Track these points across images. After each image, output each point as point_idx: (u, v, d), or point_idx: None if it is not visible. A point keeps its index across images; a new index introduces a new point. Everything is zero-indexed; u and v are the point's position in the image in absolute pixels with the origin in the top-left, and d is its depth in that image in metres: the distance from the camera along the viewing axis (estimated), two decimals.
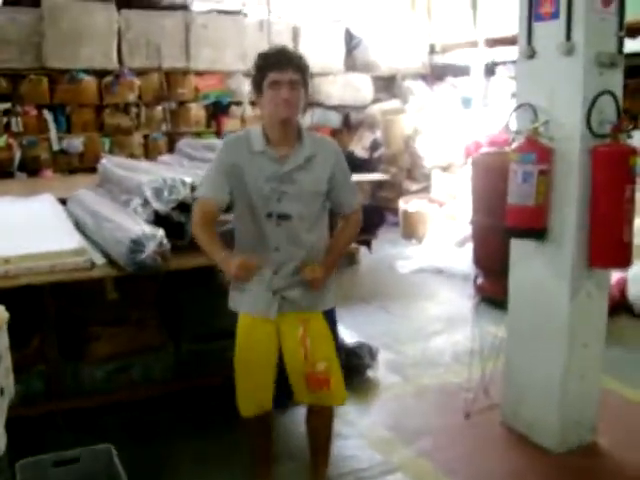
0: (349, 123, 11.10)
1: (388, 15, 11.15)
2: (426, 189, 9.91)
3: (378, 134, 10.70)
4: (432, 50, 11.38)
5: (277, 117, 2.90)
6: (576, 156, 3.46)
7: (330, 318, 3.17)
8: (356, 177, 7.67)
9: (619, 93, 3.50)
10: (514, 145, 3.64)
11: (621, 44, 3.49)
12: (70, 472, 3.04)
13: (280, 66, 2.85)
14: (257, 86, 2.94)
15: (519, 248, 3.86)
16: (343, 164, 3.10)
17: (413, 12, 11.52)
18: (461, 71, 10.79)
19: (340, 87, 10.88)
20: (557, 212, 3.58)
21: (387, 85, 11.42)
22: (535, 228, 3.60)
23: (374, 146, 10.69)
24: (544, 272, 3.71)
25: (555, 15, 3.48)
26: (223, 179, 2.99)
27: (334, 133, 10.93)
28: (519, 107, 3.70)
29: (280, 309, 3.01)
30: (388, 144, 10.44)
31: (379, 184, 10.17)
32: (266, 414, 3.21)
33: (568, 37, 3.41)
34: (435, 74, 11.38)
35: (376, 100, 11.16)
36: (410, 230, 9.16)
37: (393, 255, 8.24)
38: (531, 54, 3.63)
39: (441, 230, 8.50)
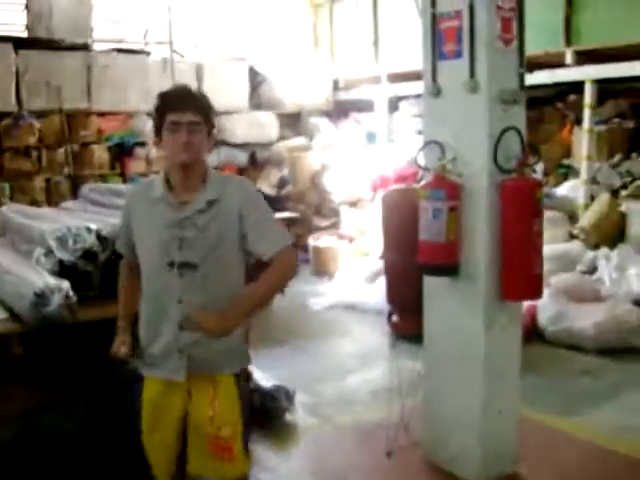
0: (255, 161, 11.07)
1: (292, 52, 11.24)
2: (335, 225, 9.96)
3: (285, 171, 10.71)
4: (336, 86, 11.50)
5: (176, 161, 2.73)
6: (484, 192, 3.52)
7: (239, 383, 2.88)
8: None
9: (523, 128, 3.58)
10: (423, 182, 3.67)
11: (522, 80, 3.58)
12: None
13: (179, 107, 2.69)
14: (157, 128, 2.77)
15: (432, 284, 3.88)
16: (255, 205, 2.79)
17: (316, 49, 11.65)
18: (365, 106, 10.93)
19: (245, 125, 10.85)
20: (468, 247, 3.62)
21: (292, 122, 11.46)
22: (447, 264, 3.63)
23: (281, 184, 10.69)
24: (458, 307, 3.73)
25: (458, 54, 3.55)
26: (127, 232, 2.88)
27: (241, 171, 10.86)
28: (426, 144, 3.74)
29: (189, 369, 2.76)
30: (295, 181, 10.46)
31: (288, 221, 10.16)
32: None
33: (472, 74, 3.47)
34: (339, 110, 11.49)
35: (282, 137, 11.17)
36: (321, 267, 9.15)
37: (305, 292, 8.18)
38: (436, 92, 3.69)
39: (352, 266, 8.53)
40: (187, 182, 2.77)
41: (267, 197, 9.94)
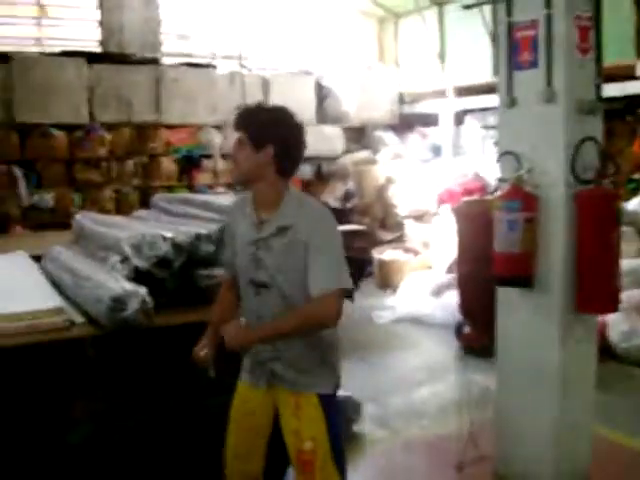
0: (321, 174, 11.14)
1: (357, 66, 11.30)
2: (400, 238, 9.94)
3: (350, 185, 10.75)
4: (401, 100, 11.51)
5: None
6: (561, 202, 3.47)
7: (328, 405, 2.82)
8: None
9: (600, 139, 3.52)
10: (498, 193, 3.64)
11: (599, 91, 3.52)
12: None
13: (234, 124, 2.77)
14: None
15: (505, 295, 3.83)
16: (319, 237, 2.65)
17: (382, 63, 11.69)
18: (430, 120, 10.91)
19: (311, 138, 10.85)
20: (543, 259, 3.56)
21: (358, 136, 11.52)
22: (521, 275, 3.58)
23: (347, 197, 10.73)
24: (532, 319, 3.68)
25: (534, 64, 3.51)
26: (228, 248, 2.94)
27: (306, 184, 10.96)
28: (502, 155, 3.70)
29: (270, 381, 2.82)
30: (361, 194, 10.50)
31: (353, 234, 10.17)
32: None
33: (549, 84, 3.43)
34: (405, 123, 11.50)
35: (347, 151, 11.24)
36: (385, 280, 9.13)
37: (370, 306, 8.17)
38: (512, 103, 3.65)
39: (416, 279, 8.47)
40: (260, 200, 2.75)
41: (333, 210, 10.00)
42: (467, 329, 6.06)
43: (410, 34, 11.25)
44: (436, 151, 10.84)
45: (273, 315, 2.71)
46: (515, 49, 3.60)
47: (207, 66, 10.16)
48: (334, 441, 2.81)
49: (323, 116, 11.16)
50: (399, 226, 10.03)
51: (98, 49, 9.71)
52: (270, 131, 2.71)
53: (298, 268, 2.65)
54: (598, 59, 3.52)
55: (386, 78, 11.42)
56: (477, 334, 5.24)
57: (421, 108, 11.21)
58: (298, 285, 2.67)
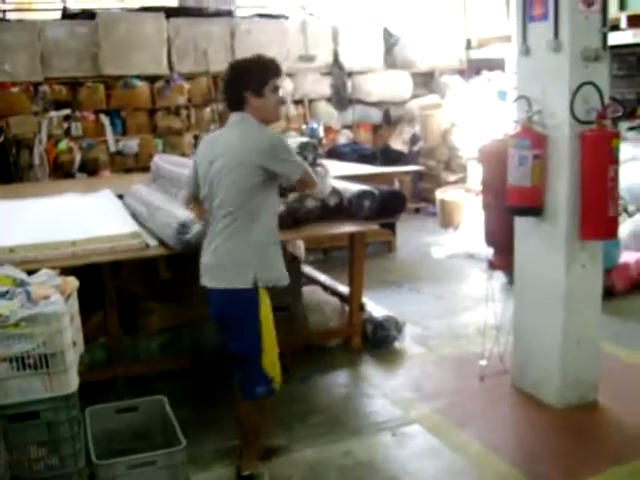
0: (389, 119, 11.52)
1: (425, 13, 11.56)
2: (463, 179, 10.32)
3: (417, 129, 11.13)
4: (468, 45, 11.74)
5: (275, 116, 3.44)
6: (566, 141, 3.91)
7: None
8: (394, 169, 8.21)
9: (604, 84, 3.91)
10: (512, 132, 4.10)
11: (605, 39, 3.91)
12: (130, 418, 3.61)
13: (280, 73, 3.39)
14: (256, 90, 3.33)
15: (522, 226, 4.31)
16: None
17: (449, 9, 11.90)
18: (497, 65, 11.12)
19: (380, 84, 11.31)
20: (551, 192, 4.02)
21: (425, 81, 11.82)
22: (532, 206, 4.06)
23: (413, 140, 11.12)
24: (542, 246, 4.16)
25: (545, 16, 3.92)
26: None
27: (375, 128, 11.43)
28: (517, 99, 4.15)
29: None
30: (426, 138, 10.87)
31: (419, 176, 10.64)
32: None
33: (556, 35, 3.85)
34: (471, 68, 11.74)
35: (415, 96, 11.57)
36: (447, 219, 9.57)
37: (429, 242, 8.69)
38: (526, 51, 4.09)
39: (476, 218, 8.89)
40: None
41: (398, 153, 10.45)
42: (491, 256, 6.42)
43: None
44: (501, 96, 11.06)
45: None
46: (529, 3, 4.02)
47: (278, 16, 10.62)
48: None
49: (391, 62, 11.49)
50: (462, 168, 10.41)
51: (175, 3, 10.32)
52: None
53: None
54: (604, 10, 3.91)
55: (453, 24, 11.65)
56: (500, 260, 5.60)
57: (487, 53, 11.42)
58: None
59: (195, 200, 3.63)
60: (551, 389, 4.25)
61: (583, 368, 4.24)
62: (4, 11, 9.92)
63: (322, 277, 6.25)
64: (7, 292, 3.00)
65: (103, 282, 4.50)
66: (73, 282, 3.23)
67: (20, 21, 9.48)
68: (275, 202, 3.49)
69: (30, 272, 3.34)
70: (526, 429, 4.11)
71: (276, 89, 3.38)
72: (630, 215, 7.25)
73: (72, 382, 3.02)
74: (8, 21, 9.53)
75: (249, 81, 3.33)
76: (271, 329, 3.44)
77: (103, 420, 3.53)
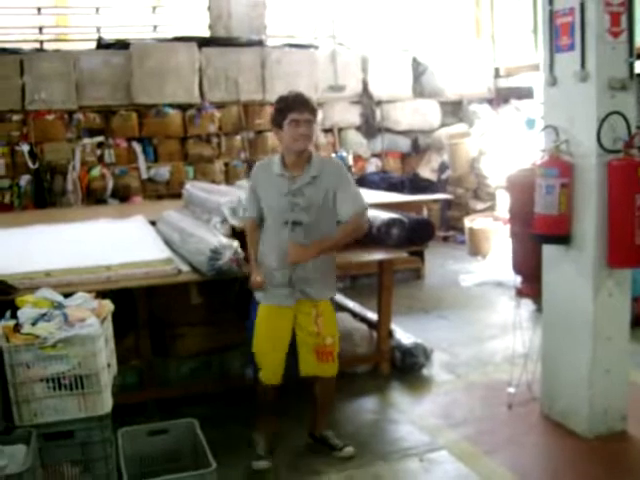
0: (417, 147, 11.58)
1: (453, 42, 11.66)
2: (491, 208, 10.35)
3: (445, 157, 11.19)
4: (497, 74, 11.81)
5: (296, 148, 3.72)
6: (593, 170, 3.95)
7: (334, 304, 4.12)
8: (423, 197, 8.26)
9: (631, 113, 3.95)
10: (539, 162, 4.14)
11: (632, 69, 3.96)
12: (161, 440, 3.67)
13: (299, 108, 3.67)
14: (277, 123, 3.77)
15: (549, 253, 4.34)
16: (344, 179, 3.88)
17: (478, 38, 12.01)
18: (525, 93, 11.18)
19: (408, 113, 11.38)
20: (578, 220, 4.05)
21: (454, 109, 11.88)
22: (559, 234, 4.09)
23: (442, 168, 11.18)
24: (570, 274, 4.18)
25: (571, 47, 3.98)
26: (254, 198, 3.93)
27: (403, 157, 11.49)
28: (544, 128, 4.21)
29: (297, 298, 3.87)
30: (455, 166, 10.93)
31: (447, 204, 10.68)
32: (278, 386, 4.02)
33: (583, 66, 3.91)
34: (500, 97, 11.80)
35: (443, 124, 11.63)
36: (475, 247, 9.59)
37: (457, 270, 8.71)
38: (553, 81, 4.14)
39: (505, 246, 8.90)
40: (298, 162, 3.80)
41: (425, 181, 10.49)
42: (520, 284, 6.44)
43: (505, 9, 11.55)
44: (530, 124, 11.10)
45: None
46: (556, 34, 4.08)
47: (308, 46, 10.75)
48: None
49: (420, 91, 11.56)
50: (490, 196, 10.44)
51: (207, 33, 10.51)
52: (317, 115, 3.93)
53: (324, 205, 3.80)
54: (630, 39, 3.96)
55: (482, 53, 11.74)
56: (528, 288, 5.63)
57: (516, 82, 11.48)
58: (322, 219, 3.82)
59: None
60: (580, 419, 4.24)
61: (612, 399, 4.23)
62: (41, 41, 10.14)
63: (351, 304, 6.30)
64: (45, 314, 3.09)
65: (136, 306, 4.59)
66: (108, 305, 3.32)
67: (57, 51, 9.68)
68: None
69: (66, 295, 3.43)
70: (555, 458, 4.10)
71: (293, 122, 3.67)
72: None
73: (106, 403, 3.10)
74: (45, 51, 9.75)
75: (274, 117, 3.83)
76: (261, 334, 3.97)
77: (135, 442, 3.60)
